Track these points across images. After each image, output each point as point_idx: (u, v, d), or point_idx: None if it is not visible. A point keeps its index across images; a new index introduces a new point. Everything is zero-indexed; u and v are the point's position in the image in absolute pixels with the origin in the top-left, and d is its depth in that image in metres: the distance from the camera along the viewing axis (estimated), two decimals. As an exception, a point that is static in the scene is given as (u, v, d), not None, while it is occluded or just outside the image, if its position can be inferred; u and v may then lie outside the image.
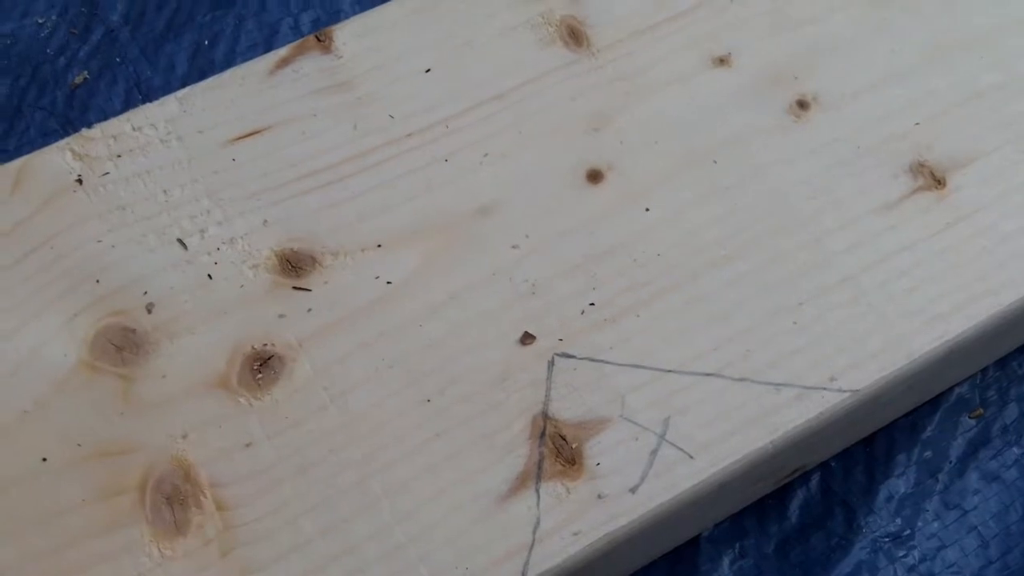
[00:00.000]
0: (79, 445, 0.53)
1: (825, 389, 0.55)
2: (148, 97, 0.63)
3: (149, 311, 0.56)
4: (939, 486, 0.64)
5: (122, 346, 0.55)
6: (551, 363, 0.55)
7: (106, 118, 0.62)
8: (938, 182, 0.61)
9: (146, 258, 0.58)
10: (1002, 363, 0.68)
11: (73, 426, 0.53)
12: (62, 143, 0.61)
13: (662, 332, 0.56)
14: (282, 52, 0.65)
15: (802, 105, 0.64)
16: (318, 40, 0.65)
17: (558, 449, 0.53)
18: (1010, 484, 0.64)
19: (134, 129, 0.62)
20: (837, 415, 0.55)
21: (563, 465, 0.52)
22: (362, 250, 0.58)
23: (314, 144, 0.62)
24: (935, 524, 0.63)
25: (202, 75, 0.64)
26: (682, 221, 0.59)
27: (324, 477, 0.52)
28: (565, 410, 0.54)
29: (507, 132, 0.62)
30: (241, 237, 0.59)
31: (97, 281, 0.57)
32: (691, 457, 0.53)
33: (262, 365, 0.55)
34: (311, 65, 0.65)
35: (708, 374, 0.55)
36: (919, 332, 0.56)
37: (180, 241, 0.58)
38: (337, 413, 0.54)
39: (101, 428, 0.53)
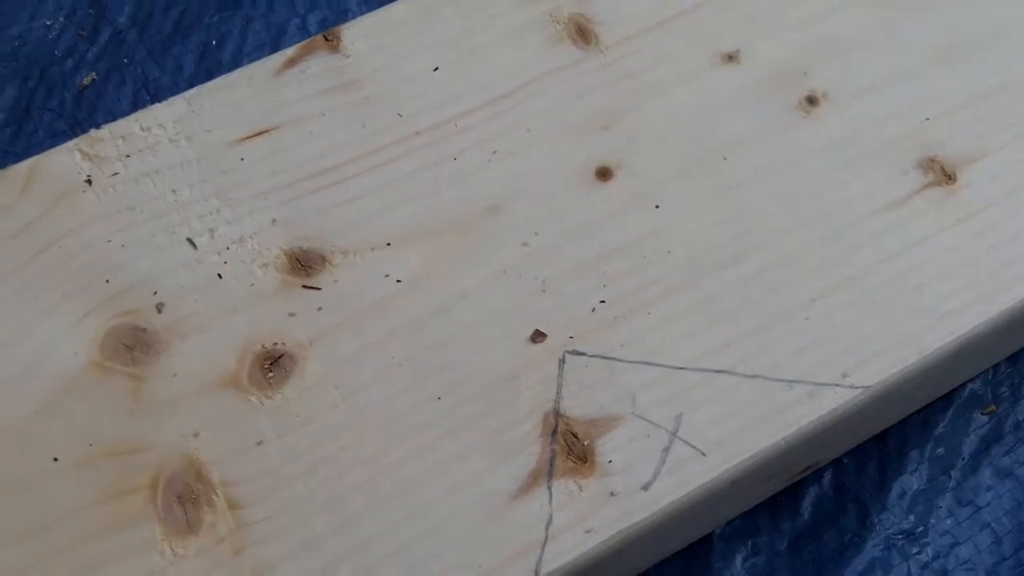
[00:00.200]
0: (90, 445, 0.53)
1: (837, 386, 0.54)
2: (156, 98, 0.63)
3: (159, 311, 0.56)
4: (952, 483, 0.64)
5: (132, 346, 0.55)
6: (562, 361, 0.55)
7: (114, 119, 0.62)
8: (948, 178, 0.60)
9: (156, 258, 0.58)
10: (1014, 359, 0.67)
11: (84, 426, 0.53)
12: (71, 144, 0.61)
13: (673, 329, 0.56)
14: (289, 52, 0.65)
15: (811, 101, 0.63)
16: (326, 40, 0.65)
17: (570, 446, 0.53)
18: (1023, 480, 0.64)
19: (143, 129, 0.62)
20: (849, 412, 0.55)
21: (575, 462, 0.52)
22: (372, 249, 0.58)
23: (322, 143, 0.62)
24: (948, 521, 0.63)
25: (209, 76, 0.64)
26: (692, 218, 0.59)
27: (335, 475, 0.52)
28: (576, 407, 0.54)
29: (516, 130, 0.62)
30: (250, 236, 0.59)
31: (107, 281, 0.57)
32: (703, 454, 0.53)
33: (273, 364, 0.55)
34: (319, 65, 0.64)
35: (720, 371, 0.55)
36: (930, 329, 0.56)
37: (190, 240, 0.58)
38: (347, 411, 0.54)
39: (112, 427, 0.53)
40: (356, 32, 0.65)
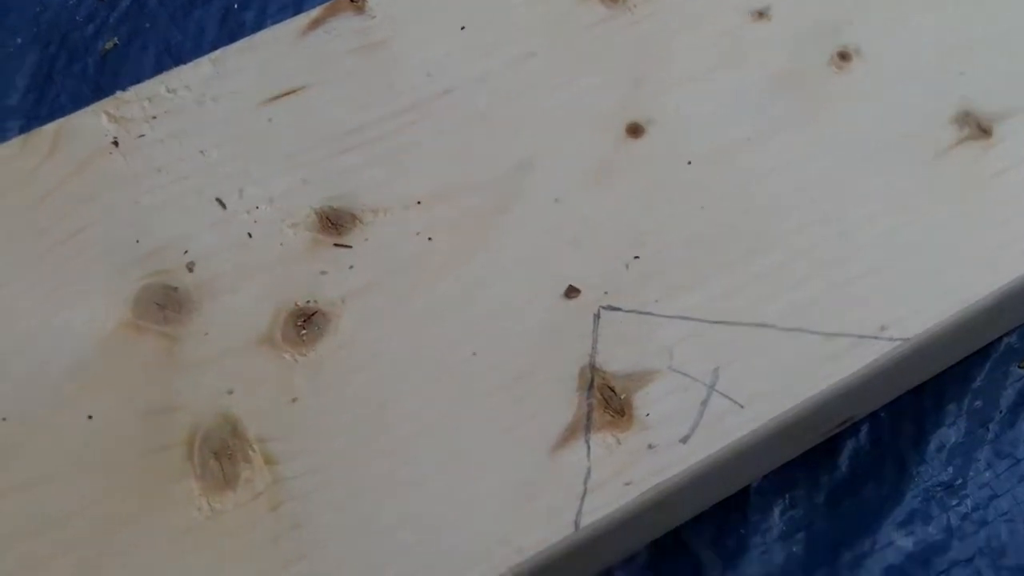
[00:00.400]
0: (124, 403, 0.53)
1: (876, 338, 0.54)
2: (179, 62, 0.63)
3: (190, 270, 0.56)
4: (990, 435, 0.64)
5: (164, 304, 0.55)
6: (597, 316, 0.55)
7: (137, 83, 0.62)
8: (984, 132, 0.60)
9: (185, 218, 0.58)
10: (1050, 312, 0.67)
11: (118, 385, 0.53)
12: (96, 106, 0.61)
13: (708, 284, 0.55)
14: (314, 13, 0.65)
15: (843, 57, 0.63)
16: (351, 0, 0.64)
17: (607, 400, 0.52)
18: (1060, 434, 0.64)
19: (168, 91, 0.61)
20: (888, 365, 0.54)
21: (612, 416, 0.52)
22: (403, 207, 0.58)
23: (350, 103, 0.61)
24: (987, 473, 0.62)
25: (232, 39, 0.64)
26: (725, 173, 0.59)
27: (372, 431, 0.52)
28: (613, 362, 0.53)
29: (544, 87, 0.62)
30: (280, 196, 0.58)
31: (137, 242, 0.57)
32: (741, 407, 0.52)
33: (306, 321, 0.54)
34: (344, 25, 0.64)
35: (758, 325, 0.54)
36: (970, 280, 0.55)
37: (219, 200, 0.58)
38: (382, 369, 0.53)
39: (146, 386, 0.53)
40: (382, -8, 0.65)
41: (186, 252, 0.56)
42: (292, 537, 0.49)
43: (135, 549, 0.49)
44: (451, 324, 0.54)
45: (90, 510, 0.50)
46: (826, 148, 0.59)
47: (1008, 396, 0.65)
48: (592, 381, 0.53)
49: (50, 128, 0.60)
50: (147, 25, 0.80)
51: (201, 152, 0.59)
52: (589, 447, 0.51)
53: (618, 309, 0.55)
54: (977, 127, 0.60)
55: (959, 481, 0.62)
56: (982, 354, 0.66)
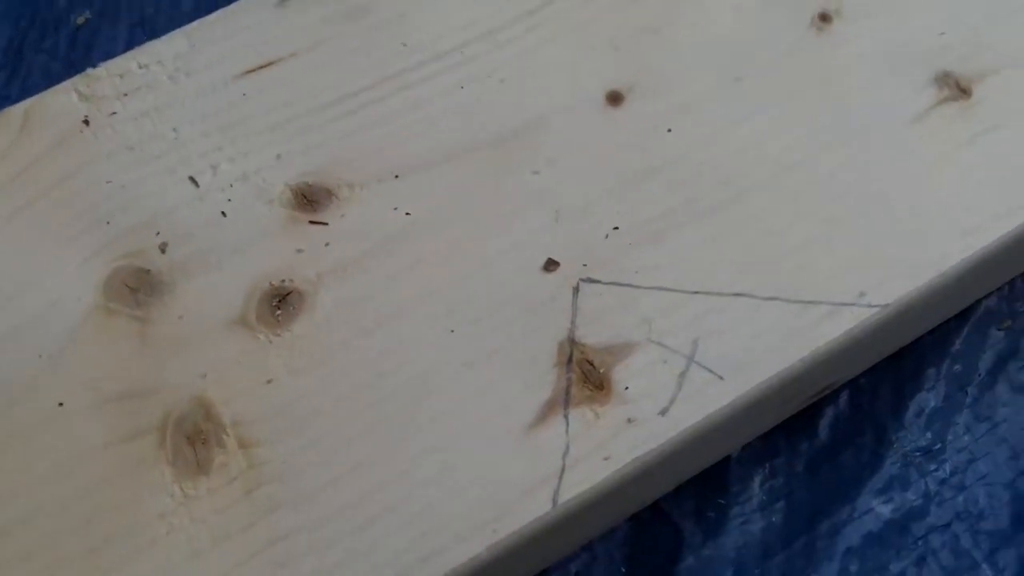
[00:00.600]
0: (97, 389, 0.52)
1: (855, 305, 0.54)
2: (153, 36, 0.62)
3: (163, 251, 0.56)
4: (969, 399, 0.63)
5: (137, 287, 0.55)
6: (576, 289, 0.54)
7: (111, 59, 0.61)
8: (964, 92, 0.59)
9: (158, 197, 0.57)
10: (1029, 273, 0.67)
11: (90, 369, 0.53)
12: (67, 84, 0.60)
13: (688, 254, 0.55)
14: (290, -18, 0.64)
15: (824, 18, 0.62)
16: (327, -31, 0.64)
17: (586, 375, 0.52)
18: (1040, 395, 0.64)
19: (140, 67, 0.61)
20: (867, 331, 0.54)
21: (591, 390, 0.52)
22: (379, 181, 0.57)
23: (326, 75, 0.61)
24: (966, 437, 0.62)
25: (209, 10, 0.63)
26: (706, 141, 0.59)
27: (349, 412, 0.52)
28: (592, 335, 0.53)
29: (524, 56, 0.61)
30: (254, 172, 0.58)
31: (108, 223, 0.56)
32: (720, 378, 0.52)
33: (281, 301, 0.54)
34: (321, -6, 0.64)
35: (736, 294, 0.54)
36: (948, 245, 0.55)
37: (192, 179, 0.57)
38: (359, 348, 0.53)
39: (118, 371, 0.53)
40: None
41: (158, 233, 0.56)
42: (268, 522, 0.49)
43: (108, 537, 0.49)
44: (428, 301, 0.54)
45: (61, 499, 0.50)
46: (805, 113, 0.59)
47: (987, 359, 0.65)
48: (571, 355, 0.53)
49: (19, 108, 0.59)
50: (120, -2, 0.79)
51: (174, 129, 0.59)
52: (568, 422, 0.51)
53: (597, 281, 0.55)
54: (957, 87, 0.60)
55: (938, 446, 0.62)
56: (961, 317, 0.65)
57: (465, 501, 0.49)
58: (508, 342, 0.53)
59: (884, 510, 0.60)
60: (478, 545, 0.49)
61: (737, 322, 0.53)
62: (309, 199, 0.57)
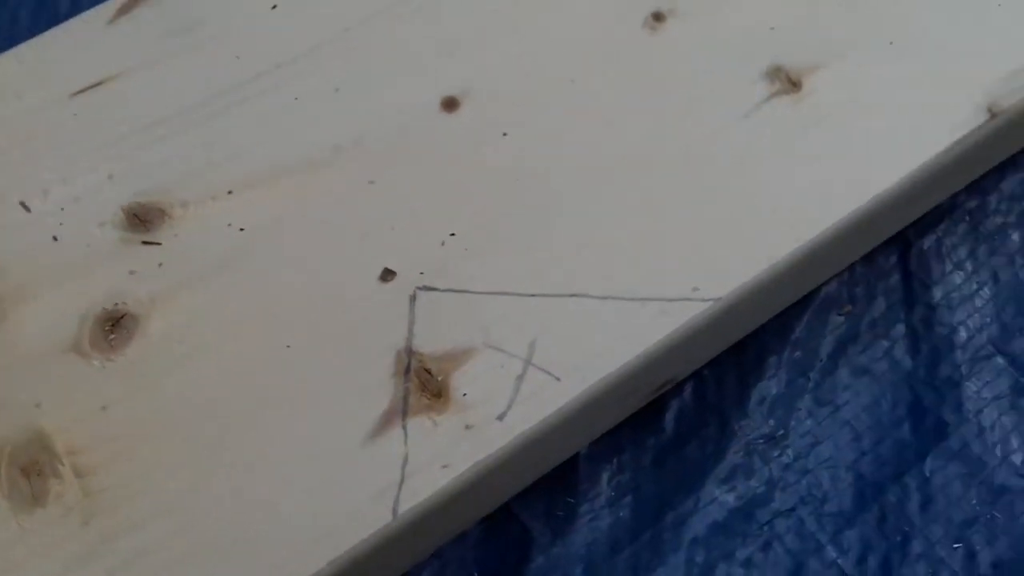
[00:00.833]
0: (-71, 423, 0.52)
1: (688, 300, 0.55)
2: (-11, 54, 0.62)
3: (-6, 278, 0.55)
4: (810, 384, 0.65)
5: (-33, 317, 0.54)
6: (413, 297, 0.55)
7: (-55, 80, 0.61)
8: (794, 85, 0.61)
9: (-13, 225, 0.57)
10: (868, 259, 0.68)
11: (-79, 404, 0.52)
12: None
13: (524, 257, 0.56)
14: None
15: (657, 18, 0.63)
16: (158, -16, 0.64)
17: (424, 383, 0.53)
18: (880, 377, 0.65)
19: (-32, 90, 0.60)
20: (701, 324, 0.55)
21: (429, 399, 0.52)
22: (212, 198, 0.57)
23: (158, 92, 0.61)
24: (808, 422, 0.64)
25: (47, 28, 0.62)
26: (541, 144, 0.59)
27: (185, 435, 0.51)
28: (429, 343, 0.54)
29: (358, 66, 0.62)
30: (86, 194, 0.57)
31: (-63, 252, 0.56)
32: (558, 379, 0.53)
33: (114, 325, 0.54)
34: (153, 10, 0.63)
35: (572, 295, 0.55)
36: (778, 236, 0.56)
37: (22, 204, 0.57)
38: (195, 368, 0.53)
39: (-51, 404, 0.52)
40: (188, -26, 0.64)
41: (-11, 260, 0.56)
42: (105, 551, 0.49)
43: (-59, 575, 0.49)
44: (264, 317, 0.54)
45: None
46: (638, 112, 0.60)
47: (828, 344, 0.66)
48: (409, 365, 0.53)
49: None
50: (-47, 17, 0.78)
51: (2, 153, 0.58)
52: (406, 432, 0.51)
53: (434, 288, 0.55)
54: (787, 81, 0.61)
55: (781, 432, 0.64)
56: (801, 304, 0.67)
57: (305, 517, 0.50)
58: (345, 354, 0.53)
59: (728, 499, 0.62)
60: (320, 560, 0.49)
61: (573, 323, 0.54)
62: (142, 219, 0.57)
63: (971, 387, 0.65)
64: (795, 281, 0.61)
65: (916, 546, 0.61)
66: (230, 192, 0.57)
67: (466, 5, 0.63)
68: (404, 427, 0.52)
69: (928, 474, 0.63)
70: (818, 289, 0.67)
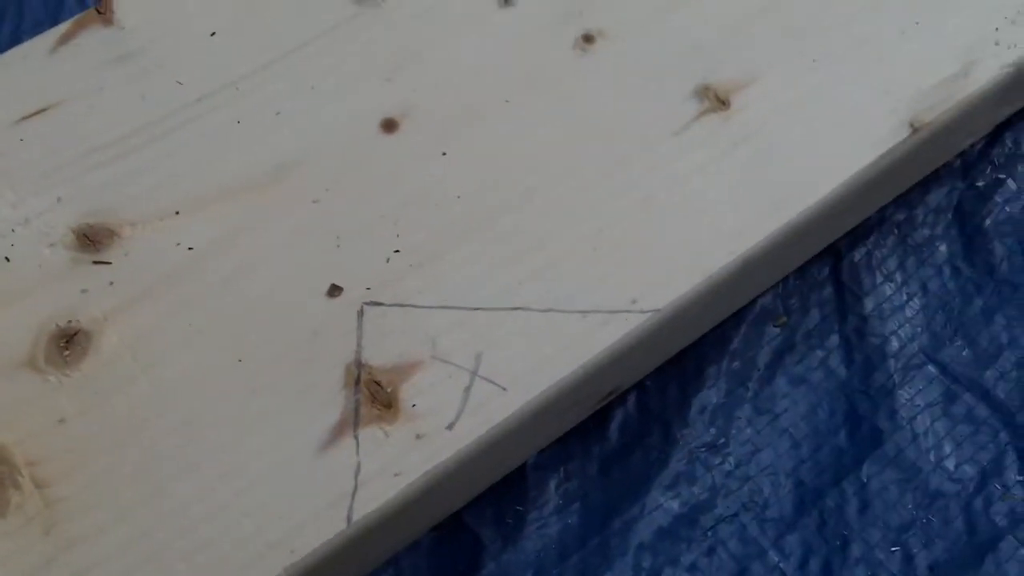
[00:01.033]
0: None
1: (628, 311, 0.56)
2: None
3: (-54, 299, 0.56)
4: (749, 394, 0.66)
5: (-79, 338, 0.55)
6: (360, 312, 0.56)
7: None
8: (723, 103, 0.62)
9: (-62, 248, 0.57)
10: (801, 272, 0.70)
11: None
12: None
13: (468, 272, 0.57)
14: (63, 28, 0.65)
15: (587, 39, 0.65)
16: (98, 12, 0.64)
17: (374, 395, 0.54)
18: (816, 385, 0.67)
19: (-87, 118, 0.61)
20: (642, 335, 0.56)
21: (380, 409, 0.53)
22: (160, 219, 0.58)
23: (103, 117, 0.61)
24: (748, 430, 0.65)
25: (-10, 57, 0.63)
26: (479, 162, 0.60)
27: (141, 446, 0.52)
28: (378, 356, 0.55)
29: (299, 89, 0.63)
30: (36, 216, 0.58)
31: None
32: (504, 390, 0.54)
33: (68, 342, 0.54)
34: (94, 39, 0.64)
35: (515, 308, 0.56)
36: (713, 250, 0.58)
37: (-28, 227, 0.58)
38: (149, 382, 0.54)
39: (-93, 421, 0.53)
40: (129, 4, 0.65)
41: (-59, 283, 0.56)
42: (66, 558, 0.50)
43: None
44: (215, 333, 0.55)
45: None
46: (572, 129, 0.62)
47: (765, 354, 0.68)
48: (359, 377, 0.54)
49: None
50: None
51: (-48, 179, 0.59)
52: (358, 442, 0.52)
53: (381, 303, 0.56)
54: (716, 99, 0.63)
55: (722, 440, 0.65)
56: (738, 317, 0.69)
57: (260, 525, 0.51)
58: (296, 368, 0.54)
59: (672, 505, 0.63)
60: (276, 566, 0.50)
61: (517, 335, 0.55)
62: (92, 240, 0.57)
63: (904, 395, 0.67)
64: (731, 292, 0.63)
65: (855, 549, 0.62)
66: (177, 212, 0.58)
67: (402, 30, 0.65)
68: (356, 437, 0.53)
69: (865, 480, 0.64)
70: (754, 301, 0.69)
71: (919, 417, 0.66)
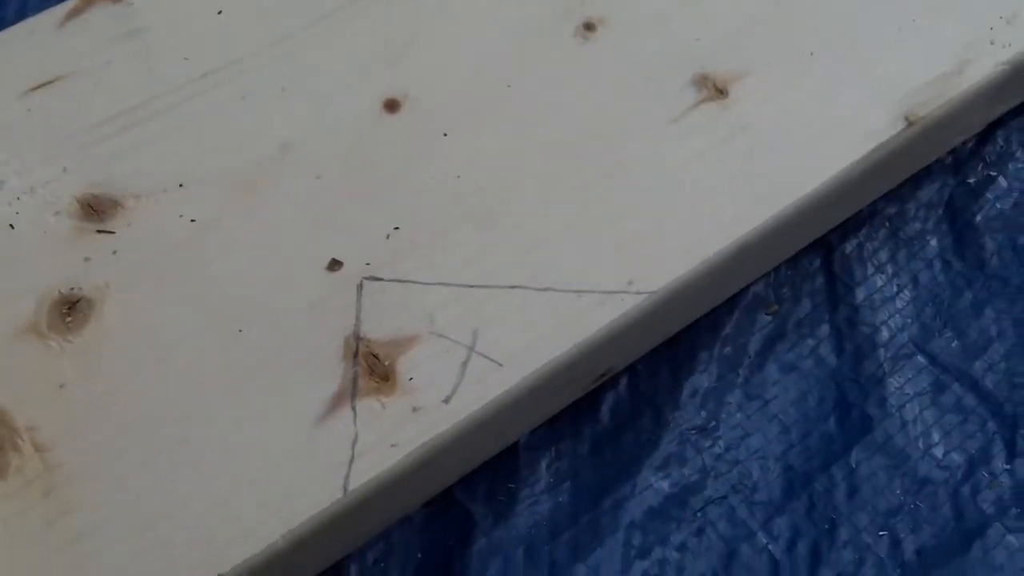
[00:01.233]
0: None
1: (624, 292, 0.57)
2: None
3: (-49, 264, 0.56)
4: (740, 379, 0.67)
5: (-74, 301, 0.55)
6: (360, 287, 0.57)
7: None
8: (721, 92, 0.63)
9: (-56, 213, 0.58)
10: (793, 261, 0.71)
11: None
12: None
13: (466, 250, 0.58)
14: (72, 3, 0.65)
15: (588, 28, 0.66)
16: (107, -11, 0.65)
17: (371, 367, 0.54)
18: (806, 373, 0.68)
19: (-77, 87, 0.61)
20: (636, 317, 0.57)
21: (377, 382, 0.54)
22: (164, 191, 0.59)
23: (110, 90, 0.62)
24: (738, 415, 0.66)
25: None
26: (480, 143, 0.61)
27: (140, 413, 0.53)
28: (376, 330, 0.55)
29: (303, 67, 0.64)
30: (41, 186, 0.59)
31: None
32: (500, 365, 0.55)
33: (71, 308, 0.55)
34: (103, 14, 0.65)
35: (512, 287, 0.57)
36: (709, 235, 0.59)
37: (-23, 195, 0.58)
38: (148, 350, 0.54)
39: (-90, 381, 0.53)
40: (138, -20, 0.66)
41: (-54, 248, 0.57)
42: (65, 522, 0.50)
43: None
44: (216, 303, 0.56)
45: None
46: (574, 114, 0.62)
47: (756, 341, 0.69)
48: (357, 349, 0.55)
49: None
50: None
51: (-40, 147, 0.60)
52: (355, 413, 0.53)
53: (380, 279, 0.57)
54: (714, 88, 0.64)
55: (712, 424, 0.66)
56: (730, 303, 0.69)
57: (259, 492, 0.51)
58: (295, 340, 0.55)
59: (663, 485, 0.64)
60: (274, 533, 0.50)
61: (514, 313, 0.56)
62: (96, 209, 0.58)
63: (893, 383, 0.68)
64: (725, 278, 0.64)
65: (843, 533, 0.63)
66: (181, 185, 0.59)
67: (406, 13, 0.66)
68: (354, 408, 0.53)
69: (854, 465, 0.65)
70: (746, 289, 0.70)
71: (908, 405, 0.67)
